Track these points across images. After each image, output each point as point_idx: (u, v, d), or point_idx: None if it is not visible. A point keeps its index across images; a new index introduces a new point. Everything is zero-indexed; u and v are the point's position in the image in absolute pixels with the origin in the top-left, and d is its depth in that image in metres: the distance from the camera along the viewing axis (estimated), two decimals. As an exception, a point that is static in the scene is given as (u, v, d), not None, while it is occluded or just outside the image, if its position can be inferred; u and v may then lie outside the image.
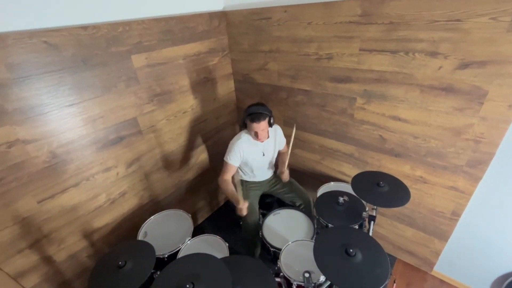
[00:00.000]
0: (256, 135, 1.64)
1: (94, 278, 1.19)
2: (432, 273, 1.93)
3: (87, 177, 1.53)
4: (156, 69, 1.69)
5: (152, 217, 1.79)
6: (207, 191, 2.50)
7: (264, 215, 1.89)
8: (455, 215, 1.59)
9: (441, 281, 1.90)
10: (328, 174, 2.12)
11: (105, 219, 1.71)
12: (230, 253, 1.54)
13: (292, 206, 1.85)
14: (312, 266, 1.33)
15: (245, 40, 2.03)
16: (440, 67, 1.30)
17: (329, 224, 1.55)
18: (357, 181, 1.48)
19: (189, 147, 2.14)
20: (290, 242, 1.48)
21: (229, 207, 2.72)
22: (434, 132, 1.45)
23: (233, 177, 1.75)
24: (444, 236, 1.71)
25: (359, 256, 1.02)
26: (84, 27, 1.32)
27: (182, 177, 2.16)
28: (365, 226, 1.65)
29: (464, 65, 1.24)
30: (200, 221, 2.54)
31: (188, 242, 1.59)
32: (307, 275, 1.21)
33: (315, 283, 1.24)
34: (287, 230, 1.66)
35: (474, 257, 1.69)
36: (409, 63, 1.38)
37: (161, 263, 1.51)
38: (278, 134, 1.86)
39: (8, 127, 1.19)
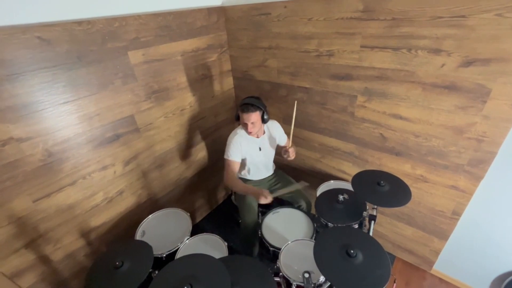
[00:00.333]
0: (245, 127, 1.62)
1: (90, 279, 1.17)
2: (432, 271, 1.93)
3: (83, 175, 1.51)
4: (153, 65, 1.66)
5: (150, 216, 1.77)
6: (206, 189, 2.48)
7: (263, 214, 1.88)
8: (456, 214, 1.58)
9: (440, 279, 1.90)
10: (328, 172, 2.10)
11: (102, 218, 1.69)
12: (229, 252, 1.52)
13: (291, 205, 1.84)
14: (312, 266, 1.32)
15: (244, 36, 1.99)
16: (443, 65, 1.27)
17: (329, 223, 1.54)
18: (357, 180, 1.46)
19: (188, 145, 2.11)
20: (289, 242, 1.46)
21: (228, 204, 2.71)
22: (436, 131, 1.43)
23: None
24: (444, 235, 1.70)
25: (360, 257, 1.00)
26: (79, 22, 1.29)
27: (180, 175, 2.14)
28: (365, 225, 1.63)
29: (467, 63, 1.21)
30: (199, 219, 2.52)
31: (187, 241, 1.58)
32: (306, 275, 1.20)
33: (315, 284, 1.22)
34: (287, 229, 1.64)
35: (474, 256, 1.69)
36: (411, 60, 1.35)
37: (160, 262, 1.50)
38: (275, 129, 1.83)
39: (1, 125, 1.16)
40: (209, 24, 1.92)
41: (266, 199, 1.52)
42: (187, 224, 1.68)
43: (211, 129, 2.28)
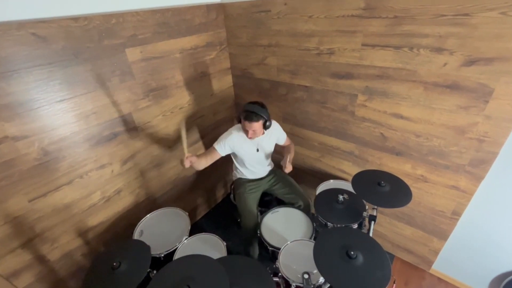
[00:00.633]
0: (246, 133, 1.61)
1: (87, 281, 1.16)
2: (431, 271, 1.93)
3: (80, 174, 1.49)
4: (151, 63, 1.63)
5: (148, 215, 1.75)
6: (205, 188, 2.47)
7: (262, 212, 1.87)
8: (456, 214, 1.57)
9: (439, 279, 1.89)
10: (328, 171, 2.09)
11: (100, 218, 1.67)
12: (228, 251, 1.51)
13: (290, 204, 1.83)
14: (312, 266, 1.31)
15: (243, 34, 1.97)
16: (445, 64, 1.26)
17: (328, 223, 1.53)
18: (357, 180, 1.45)
19: (186, 144, 2.09)
20: (289, 242, 1.45)
21: (228, 203, 2.69)
22: (437, 131, 1.41)
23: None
24: (443, 235, 1.70)
25: (360, 258, 0.99)
26: (75, 19, 1.26)
27: (179, 174, 2.12)
28: (364, 225, 1.63)
29: (470, 62, 1.20)
30: (197, 218, 2.51)
31: (185, 241, 1.56)
32: (306, 276, 1.19)
33: (314, 285, 1.22)
34: (286, 229, 1.63)
35: (473, 256, 1.68)
36: (413, 59, 1.33)
37: (158, 262, 1.48)
38: (275, 130, 1.81)
39: (-4, 123, 1.14)
40: (208, 21, 1.89)
41: (181, 162, 1.49)
42: (186, 224, 1.67)
43: (210, 127, 2.26)
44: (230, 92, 2.33)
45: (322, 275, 0.98)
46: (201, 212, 2.55)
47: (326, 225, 1.67)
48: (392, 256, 2.05)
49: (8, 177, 1.23)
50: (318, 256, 1.01)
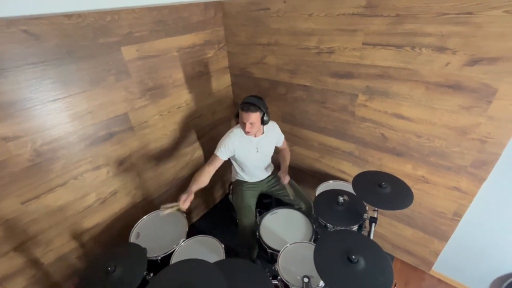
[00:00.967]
0: (243, 127, 1.57)
1: (81, 286, 1.13)
2: (431, 272, 1.91)
3: (75, 176, 1.46)
4: (148, 61, 1.60)
5: (145, 217, 1.72)
6: (203, 188, 2.43)
7: (260, 213, 1.84)
8: (457, 215, 1.56)
9: (440, 280, 1.88)
10: (327, 172, 2.07)
11: (95, 220, 1.63)
12: (227, 253, 1.49)
13: (290, 205, 1.80)
14: (311, 270, 1.29)
15: (242, 32, 1.93)
16: (447, 63, 1.23)
17: (328, 224, 1.51)
18: (358, 181, 1.43)
19: (184, 144, 2.06)
20: (288, 245, 1.43)
21: (226, 203, 2.66)
22: (439, 131, 1.39)
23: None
24: (444, 237, 1.68)
25: (361, 263, 0.97)
26: (68, 16, 1.22)
27: (176, 175, 2.09)
28: (365, 227, 1.60)
29: (473, 62, 1.17)
30: (195, 219, 2.48)
31: (183, 243, 1.54)
32: (306, 279, 1.17)
33: (314, 288, 1.19)
34: (285, 230, 1.61)
35: (474, 257, 1.67)
36: (414, 58, 1.31)
37: (155, 265, 1.45)
38: (274, 130, 1.79)
39: (-14, 123, 1.11)
40: (206, 19, 1.86)
41: (179, 199, 1.44)
42: (183, 225, 1.64)
43: (208, 127, 2.23)
44: (229, 91, 2.30)
45: (323, 280, 0.95)
46: (199, 213, 2.52)
47: (326, 226, 1.65)
48: (392, 257, 2.03)
49: (-1, 179, 1.19)
50: (319, 260, 0.98)
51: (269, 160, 1.87)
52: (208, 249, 1.51)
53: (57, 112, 1.30)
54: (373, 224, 1.32)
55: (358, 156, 1.82)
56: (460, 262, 1.73)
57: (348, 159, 1.89)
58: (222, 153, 1.62)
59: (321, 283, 1.22)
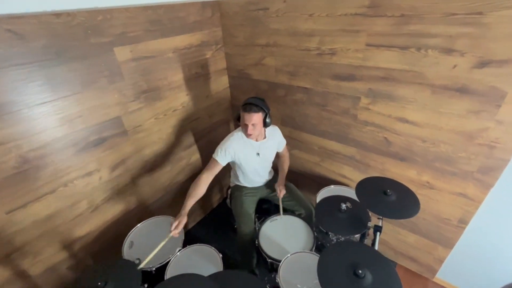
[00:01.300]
0: (245, 129, 1.51)
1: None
2: (434, 280, 1.86)
3: (64, 183, 1.38)
4: (142, 63, 1.53)
5: (139, 224, 1.65)
6: (200, 193, 2.36)
7: (259, 219, 1.78)
8: (463, 222, 1.51)
9: (443, 288, 1.83)
10: (328, 176, 2.01)
11: (87, 228, 1.56)
12: (224, 261, 1.42)
13: (290, 212, 1.74)
14: (314, 282, 1.23)
15: (240, 33, 1.88)
16: (455, 66, 1.19)
17: (330, 233, 1.45)
18: (361, 188, 1.37)
19: (180, 148, 1.99)
20: (289, 255, 1.37)
21: (224, 208, 2.60)
22: (445, 136, 1.34)
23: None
24: (449, 244, 1.63)
25: (368, 277, 0.91)
26: (57, 14, 1.16)
27: (172, 180, 2.02)
28: (368, 235, 1.55)
29: (482, 64, 1.12)
30: (192, 225, 2.41)
31: (178, 253, 1.47)
32: (308, 293, 1.11)
33: (317, 302, 1.13)
34: (285, 238, 1.55)
35: (479, 265, 1.62)
36: (420, 60, 1.26)
37: (149, 276, 1.38)
38: (276, 135, 1.73)
39: (-33, 129, 1.03)
40: (203, 19, 1.80)
41: (171, 225, 1.38)
42: (179, 233, 1.56)
43: (206, 130, 2.16)
44: (226, 93, 2.24)
45: (327, 296, 0.89)
46: (196, 218, 2.45)
47: (327, 234, 1.59)
48: (394, 264, 1.98)
49: (-18, 188, 1.12)
50: (323, 276, 0.92)
51: (270, 166, 1.81)
52: (205, 259, 1.45)
53: (45, 116, 1.23)
54: (378, 233, 1.26)
55: (360, 160, 1.76)
56: (465, 270, 1.69)
57: (349, 163, 1.83)
58: (221, 158, 1.55)
59: (324, 297, 1.16)
